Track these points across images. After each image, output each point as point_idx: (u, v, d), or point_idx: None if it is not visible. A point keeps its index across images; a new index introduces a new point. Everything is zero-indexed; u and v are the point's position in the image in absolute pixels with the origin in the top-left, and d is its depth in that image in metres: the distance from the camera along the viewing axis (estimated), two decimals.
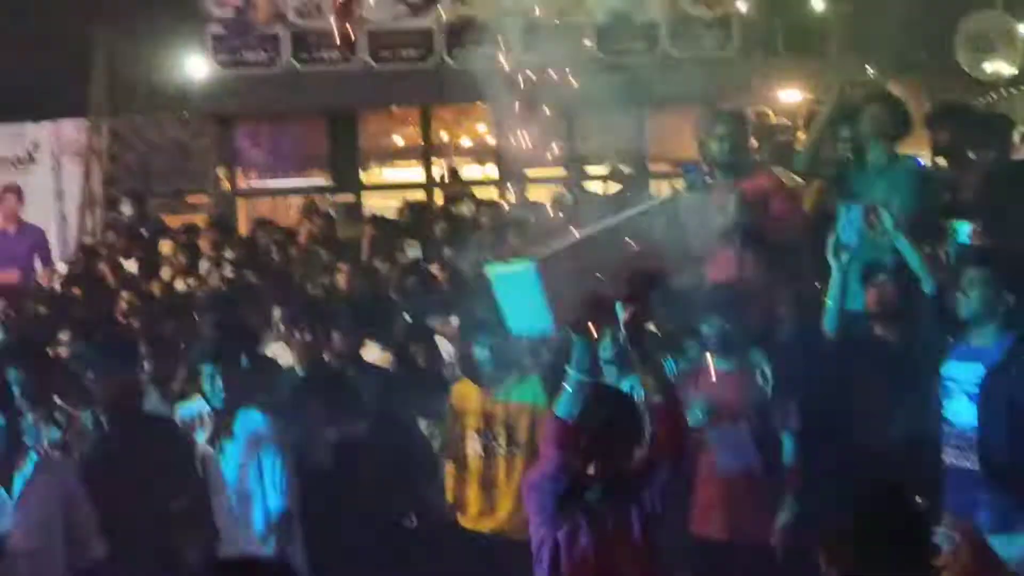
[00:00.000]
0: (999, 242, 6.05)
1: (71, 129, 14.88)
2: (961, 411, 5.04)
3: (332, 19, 13.08)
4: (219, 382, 5.45)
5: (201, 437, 6.03)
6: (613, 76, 13.01)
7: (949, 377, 5.10)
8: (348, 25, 13.10)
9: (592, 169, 12.59)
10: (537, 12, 13.61)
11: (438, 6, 13.64)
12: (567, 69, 13.67)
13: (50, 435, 5.98)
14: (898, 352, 5.71)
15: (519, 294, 4.09)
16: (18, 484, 5.13)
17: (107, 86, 14.67)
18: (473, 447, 6.18)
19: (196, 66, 13.86)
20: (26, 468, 5.16)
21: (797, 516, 5.34)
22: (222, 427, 5.54)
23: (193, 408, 6.27)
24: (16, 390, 5.64)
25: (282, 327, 6.95)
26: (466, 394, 6.32)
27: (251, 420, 5.49)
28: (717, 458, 5.45)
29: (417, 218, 10.98)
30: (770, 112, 13.40)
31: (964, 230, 6.28)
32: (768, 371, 5.43)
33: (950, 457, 5.06)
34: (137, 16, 14.76)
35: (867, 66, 16.70)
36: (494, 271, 4.35)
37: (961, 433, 5.02)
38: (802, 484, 5.38)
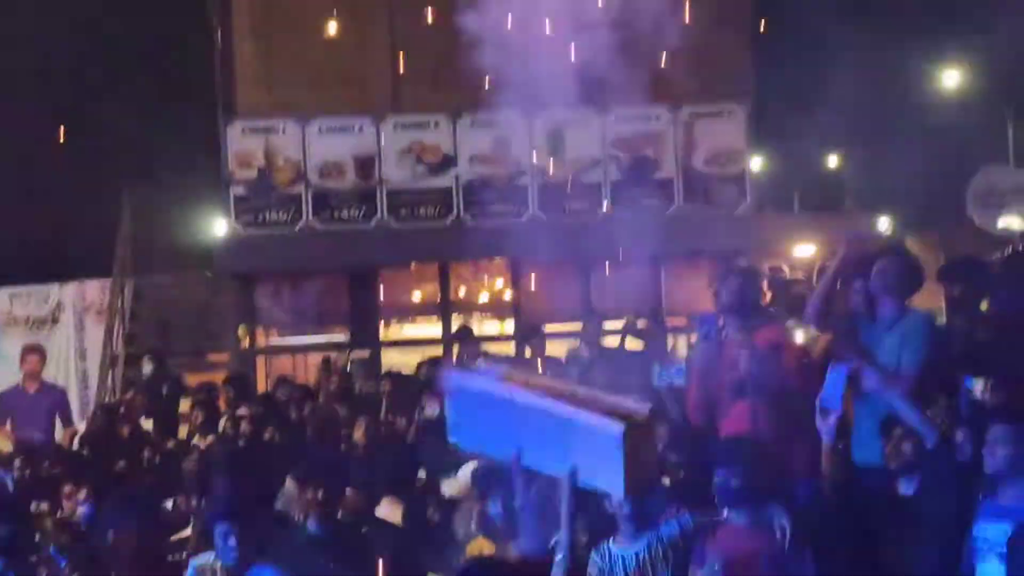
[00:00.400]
0: (1014, 396, 6.03)
1: (95, 289, 15.12)
2: (992, 572, 4.96)
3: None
4: (232, 540, 5.43)
5: None
6: (628, 231, 13.21)
7: (979, 537, 5.02)
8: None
9: (609, 324, 12.64)
10: (552, 171, 13.88)
11: (456, 166, 13.93)
12: (582, 225, 13.96)
13: None
14: (917, 507, 5.66)
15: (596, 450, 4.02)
16: None
17: (131, 246, 14.96)
18: None
19: (219, 226, 14.13)
20: None
21: None
22: None
23: (205, 561, 6.26)
24: None
25: (296, 484, 6.93)
26: (481, 550, 6.29)
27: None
28: None
29: (434, 374, 11.00)
30: (784, 267, 13.52)
31: (976, 385, 6.27)
32: (786, 525, 5.37)
33: None
34: (161, 178, 15.15)
35: (881, 221, 16.95)
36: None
37: None
38: None
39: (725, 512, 5.59)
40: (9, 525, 6.11)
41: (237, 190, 13.86)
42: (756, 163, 16.12)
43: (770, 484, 5.66)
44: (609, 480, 3.88)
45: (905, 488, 5.79)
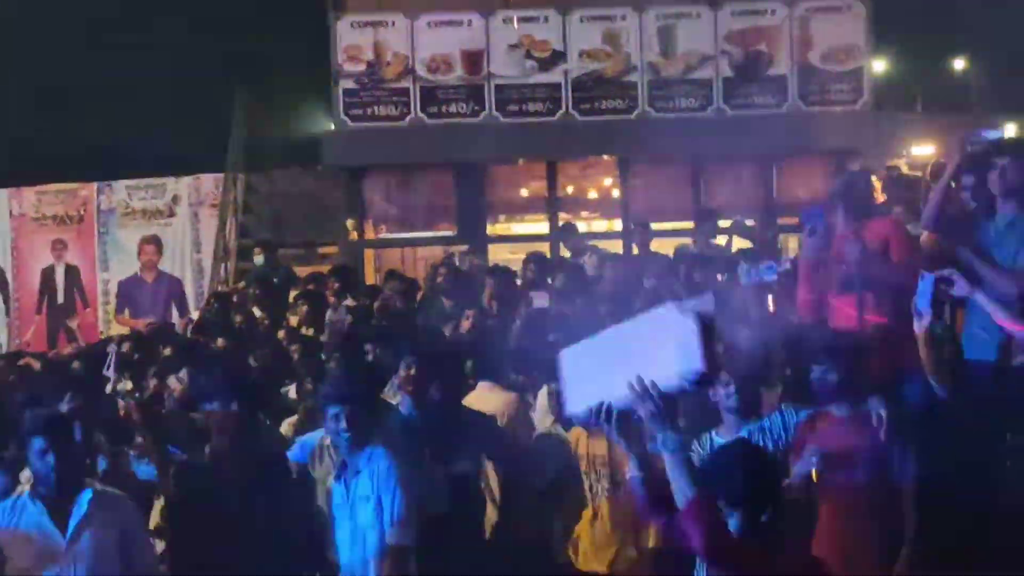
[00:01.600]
0: None
1: (210, 183, 15.37)
2: None
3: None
4: (343, 423, 5.49)
5: (320, 471, 6.13)
6: (740, 129, 12.98)
7: None
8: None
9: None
10: (662, 67, 13.65)
11: (565, 62, 13.77)
12: (693, 122, 13.74)
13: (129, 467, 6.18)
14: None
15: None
16: (73, 522, 5.22)
17: (244, 141, 15.15)
18: (582, 488, 6.21)
19: (328, 121, 14.21)
20: (81, 505, 5.24)
21: (914, 563, 5.17)
22: (348, 464, 5.59)
23: (313, 441, 6.36)
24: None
25: (402, 370, 7.00)
26: (578, 437, 6.33)
27: (375, 457, 5.52)
28: (831, 507, 5.32)
29: (540, 269, 10.99)
30: (902, 165, 13.18)
31: None
32: (883, 415, 5.28)
33: None
34: (273, 75, 15.28)
35: (1007, 126, 16.38)
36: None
37: None
38: (920, 535, 5.20)
39: (826, 407, 5.53)
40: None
41: (346, 84, 13.90)
42: (878, 63, 15.67)
43: (872, 379, 5.57)
44: (687, 362, 3.82)
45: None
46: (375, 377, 6.91)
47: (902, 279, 6.27)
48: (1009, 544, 5.25)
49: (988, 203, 6.81)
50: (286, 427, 7.39)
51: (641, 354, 3.89)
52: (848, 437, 5.35)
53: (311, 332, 10.23)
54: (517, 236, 14.85)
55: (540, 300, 9.47)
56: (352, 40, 13.91)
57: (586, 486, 6.22)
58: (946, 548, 5.13)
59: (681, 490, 3.88)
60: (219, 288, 13.93)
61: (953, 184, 7.05)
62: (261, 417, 6.63)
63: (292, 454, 6.45)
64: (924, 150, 14.88)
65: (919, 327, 5.54)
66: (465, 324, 9.03)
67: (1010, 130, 16.12)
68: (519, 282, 10.91)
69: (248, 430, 6.05)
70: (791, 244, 12.53)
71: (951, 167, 6.91)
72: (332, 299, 10.94)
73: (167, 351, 9.17)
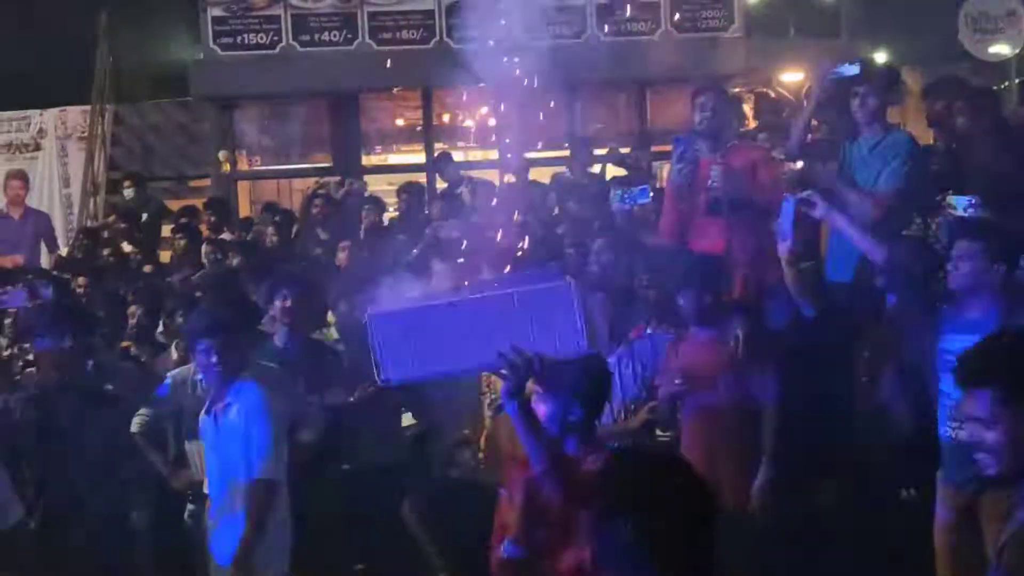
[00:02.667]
0: (996, 211, 6.03)
1: (76, 115, 14.95)
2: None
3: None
4: (214, 356, 5.45)
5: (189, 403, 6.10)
6: (613, 56, 13.00)
7: (946, 349, 5.04)
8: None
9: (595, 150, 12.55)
10: None
11: None
12: (566, 49, 13.70)
13: None
14: (887, 324, 5.71)
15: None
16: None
17: (110, 72, 14.74)
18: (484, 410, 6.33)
19: (197, 50, 13.89)
20: None
21: (773, 481, 5.34)
22: (217, 398, 5.57)
23: (183, 374, 6.31)
24: None
25: (276, 301, 6.96)
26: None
27: (245, 390, 5.50)
28: (695, 427, 5.46)
29: (414, 199, 10.96)
30: (772, 91, 13.35)
31: (962, 203, 6.26)
32: (740, 334, 5.42)
33: (948, 429, 5.05)
34: (139, 2, 14.82)
35: (876, 52, 16.67)
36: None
37: (954, 404, 4.93)
38: (780, 449, 5.38)
39: (691, 329, 5.65)
40: None
41: (214, 11, 13.57)
42: None
43: (736, 300, 5.71)
44: (567, 338, 3.79)
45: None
46: (247, 311, 6.86)
47: (766, 202, 6.41)
48: (860, 458, 5.45)
49: (852, 128, 7.00)
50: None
51: (520, 326, 3.84)
52: (710, 357, 5.49)
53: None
54: (394, 166, 14.74)
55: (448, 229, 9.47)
56: None
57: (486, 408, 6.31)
58: (802, 464, 5.30)
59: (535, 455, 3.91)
60: (88, 223, 13.61)
61: (819, 110, 7.21)
62: (99, 354, 6.56)
63: (161, 389, 6.39)
64: (795, 76, 15.05)
65: (782, 249, 5.67)
66: (341, 256, 8.99)
67: (876, 58, 16.39)
68: (396, 212, 10.88)
69: (79, 367, 5.99)
70: (665, 171, 12.65)
71: (811, 99, 7.07)
72: (207, 232, 10.79)
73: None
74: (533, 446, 3.87)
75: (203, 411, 5.65)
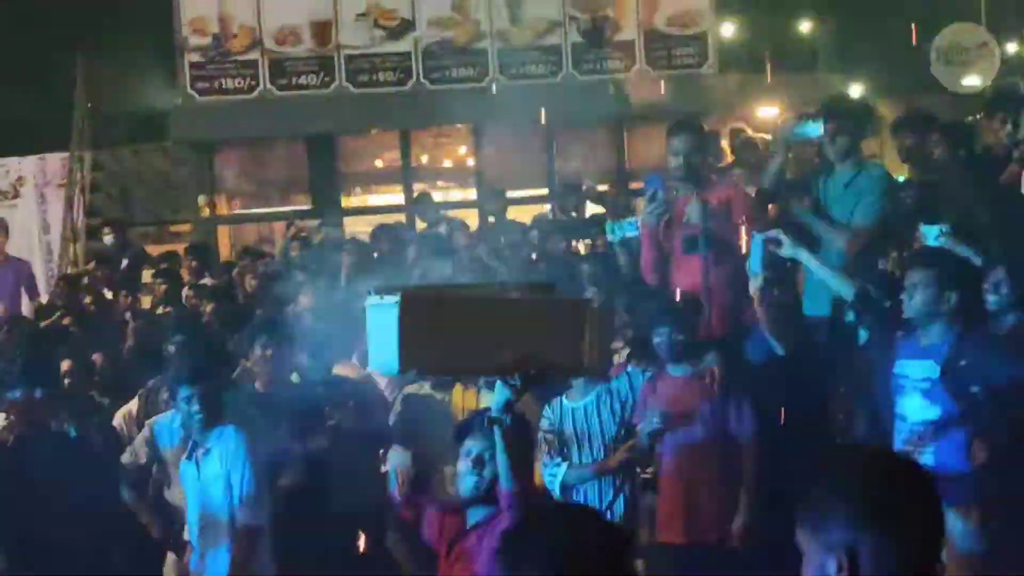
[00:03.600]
0: (968, 240, 6.11)
1: (56, 163, 14.96)
2: (913, 407, 5.13)
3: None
4: (196, 403, 5.48)
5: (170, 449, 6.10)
6: (589, 95, 13.12)
7: (900, 374, 5.20)
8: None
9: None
10: (513, 34, 13.70)
11: (414, 30, 13.74)
12: (545, 89, 13.82)
13: None
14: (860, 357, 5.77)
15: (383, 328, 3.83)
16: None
17: (89, 118, 14.77)
18: None
19: (175, 95, 13.94)
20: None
21: (753, 516, 5.37)
22: (198, 444, 5.59)
23: (165, 423, 6.30)
24: None
25: (256, 348, 6.96)
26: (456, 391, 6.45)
27: (225, 436, 5.52)
28: (674, 464, 5.49)
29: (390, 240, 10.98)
30: (747, 128, 13.44)
31: (932, 232, 6.33)
32: (716, 370, 5.47)
33: (902, 451, 5.08)
34: (116, 48, 14.88)
35: (852, 85, 16.84)
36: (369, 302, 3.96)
37: (913, 427, 5.11)
38: (759, 485, 5.41)
39: (668, 366, 5.69)
40: None
41: (192, 57, 13.65)
42: (726, 26, 16.00)
43: (713, 337, 5.75)
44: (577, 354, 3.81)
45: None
46: (224, 356, 6.89)
47: (742, 239, 6.46)
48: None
49: (827, 163, 7.07)
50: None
51: (535, 336, 3.84)
52: (687, 395, 5.52)
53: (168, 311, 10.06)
54: (373, 208, 14.80)
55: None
56: (196, 12, 13.66)
57: None
58: (783, 498, 5.33)
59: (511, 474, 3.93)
60: (68, 270, 13.60)
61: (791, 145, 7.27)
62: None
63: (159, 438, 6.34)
64: (771, 111, 15.18)
65: (752, 287, 5.72)
66: (304, 301, 8.99)
67: (851, 92, 16.55)
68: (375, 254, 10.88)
69: (50, 416, 6.01)
70: (641, 207, 12.72)
71: (776, 156, 7.14)
72: (188, 277, 10.79)
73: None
74: (510, 465, 3.90)
75: (184, 457, 5.66)
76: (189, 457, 5.59)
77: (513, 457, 3.90)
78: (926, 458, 4.96)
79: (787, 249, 5.78)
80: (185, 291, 10.42)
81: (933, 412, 5.06)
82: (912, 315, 5.15)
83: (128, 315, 9.84)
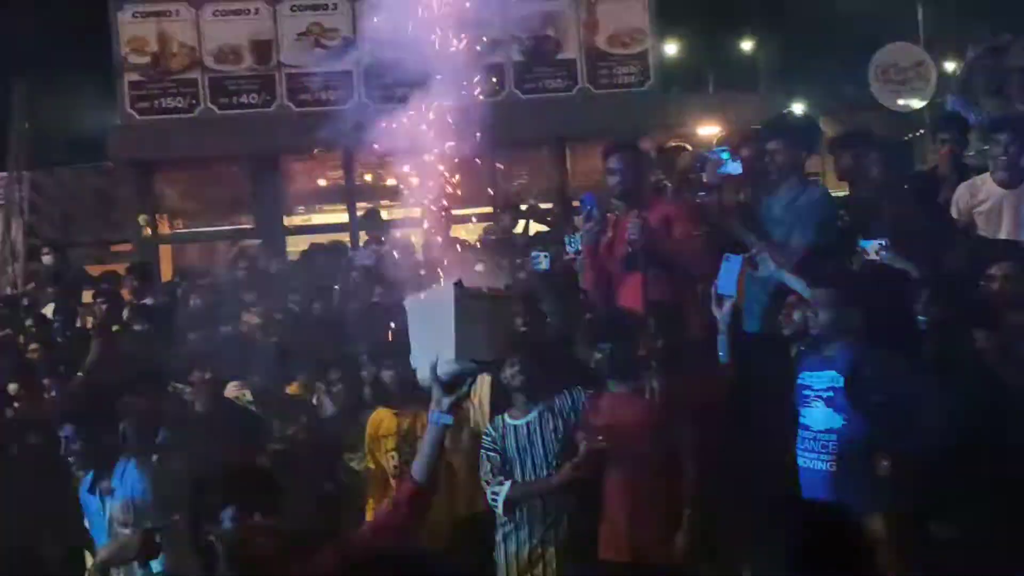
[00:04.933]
0: (905, 253, 6.22)
1: None
2: (817, 416, 5.30)
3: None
4: (76, 443, 5.30)
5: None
6: (531, 114, 13.16)
7: (804, 385, 5.35)
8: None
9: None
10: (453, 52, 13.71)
11: (356, 49, 13.71)
12: (486, 107, 13.80)
13: None
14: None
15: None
16: None
17: (26, 138, 14.62)
18: (390, 466, 6.27)
19: (114, 115, 13.84)
20: None
21: (696, 533, 5.39)
22: (101, 477, 5.42)
23: None
24: None
25: (196, 372, 6.91)
26: (381, 419, 6.39)
27: (128, 473, 5.41)
28: (616, 482, 5.50)
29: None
30: (686, 146, 13.55)
31: (870, 246, 6.42)
32: (656, 386, 5.49)
33: (806, 459, 5.31)
34: (54, 67, 14.76)
35: (793, 103, 17.04)
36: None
37: (815, 436, 5.28)
38: (699, 501, 5.44)
39: (609, 384, 5.70)
40: None
41: (131, 76, 13.56)
42: (669, 46, 16.13)
43: (652, 353, 5.77)
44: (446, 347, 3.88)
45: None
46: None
47: (682, 255, 6.51)
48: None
49: (769, 183, 7.14)
50: None
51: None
52: (629, 412, 5.54)
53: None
54: (316, 226, 14.74)
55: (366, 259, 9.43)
56: (135, 31, 13.57)
57: (393, 465, 6.27)
58: (727, 510, 5.38)
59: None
60: (8, 291, 13.43)
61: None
62: None
63: None
64: (711, 130, 15.32)
65: (720, 312, 5.77)
66: (250, 321, 8.96)
67: (794, 109, 16.74)
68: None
69: None
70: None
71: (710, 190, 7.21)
72: (129, 297, 10.68)
73: None
74: (429, 459, 3.87)
75: (85, 489, 5.46)
76: (91, 489, 5.45)
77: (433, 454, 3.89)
78: (826, 465, 5.18)
79: (767, 268, 5.87)
80: (126, 311, 10.32)
81: (836, 421, 5.22)
82: (817, 333, 5.36)
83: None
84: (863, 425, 5.15)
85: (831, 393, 5.23)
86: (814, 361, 5.37)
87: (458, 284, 3.92)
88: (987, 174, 6.92)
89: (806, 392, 5.33)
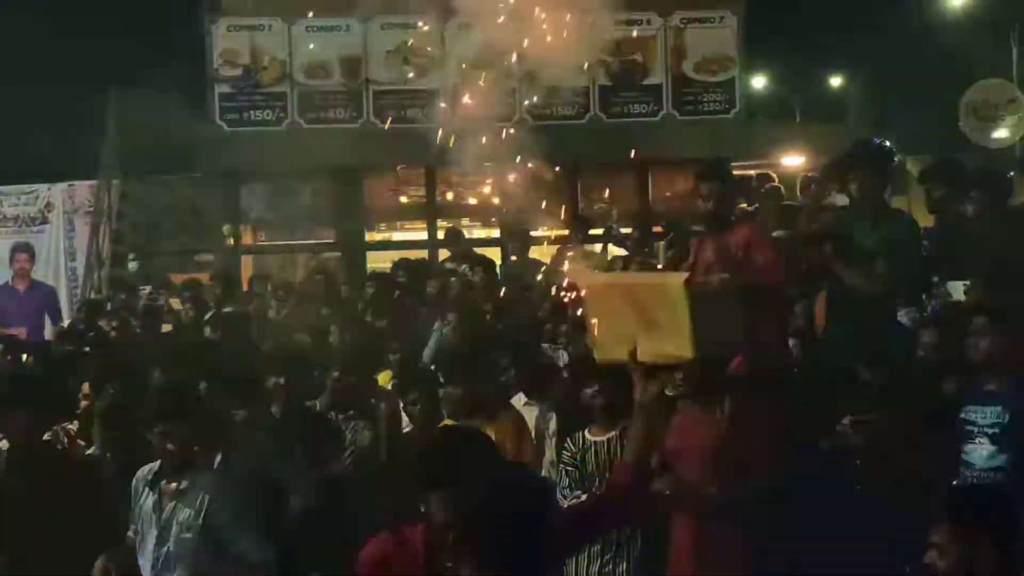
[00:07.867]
0: (999, 293, 6.12)
1: (84, 190, 15.07)
2: (980, 452, 5.18)
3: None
4: (170, 443, 5.30)
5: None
6: (616, 137, 13.14)
7: (967, 419, 5.23)
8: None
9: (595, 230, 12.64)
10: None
11: (444, 68, 13.79)
12: (570, 129, 13.86)
13: None
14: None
15: None
16: None
17: (118, 147, 14.89)
18: None
19: (204, 126, 14.06)
20: None
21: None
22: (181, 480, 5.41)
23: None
24: None
25: (271, 378, 6.96)
26: None
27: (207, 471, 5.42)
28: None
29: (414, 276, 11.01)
30: (772, 174, 13.46)
31: (957, 288, 6.33)
32: (726, 406, 5.44)
33: None
34: (148, 79, 15.04)
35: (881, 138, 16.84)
36: None
37: (979, 474, 5.14)
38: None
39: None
40: None
41: (222, 88, 13.78)
42: (757, 76, 16.10)
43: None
44: None
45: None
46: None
47: (768, 279, 6.44)
48: None
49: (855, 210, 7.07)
50: None
51: None
52: (701, 431, 5.48)
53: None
54: (397, 243, 14.83)
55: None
56: (228, 44, 13.81)
57: None
58: None
59: None
60: (92, 296, 13.67)
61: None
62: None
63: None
64: (796, 160, 15.20)
65: None
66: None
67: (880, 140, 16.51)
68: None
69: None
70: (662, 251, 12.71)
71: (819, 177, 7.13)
72: (213, 306, 10.82)
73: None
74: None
75: (153, 498, 5.41)
76: (153, 485, 5.32)
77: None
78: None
79: None
80: (208, 318, 10.46)
81: (999, 460, 5.09)
82: (978, 361, 5.26)
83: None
84: None
85: (996, 430, 5.11)
86: (976, 394, 5.24)
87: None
88: None
89: (968, 427, 5.19)
